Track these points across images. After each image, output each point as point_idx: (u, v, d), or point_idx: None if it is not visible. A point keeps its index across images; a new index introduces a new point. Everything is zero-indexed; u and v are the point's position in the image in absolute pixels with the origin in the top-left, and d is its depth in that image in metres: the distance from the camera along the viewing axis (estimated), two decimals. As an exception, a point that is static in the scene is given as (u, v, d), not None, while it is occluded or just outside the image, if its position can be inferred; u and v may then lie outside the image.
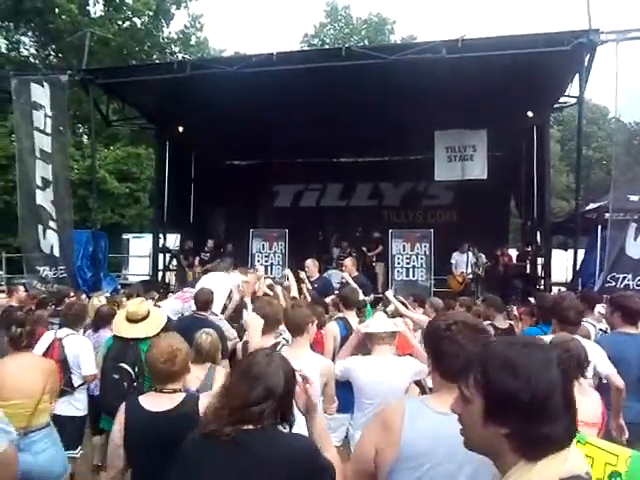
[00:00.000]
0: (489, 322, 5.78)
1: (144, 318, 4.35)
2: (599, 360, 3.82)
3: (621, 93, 8.89)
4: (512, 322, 6.36)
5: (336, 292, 6.88)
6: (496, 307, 6.16)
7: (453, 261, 12.87)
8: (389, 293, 6.83)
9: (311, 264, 8.34)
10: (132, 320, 4.30)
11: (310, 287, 7.64)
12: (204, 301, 5.67)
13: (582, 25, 9.17)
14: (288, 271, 7.59)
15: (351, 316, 5.21)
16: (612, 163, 10.38)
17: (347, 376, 3.82)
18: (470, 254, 12.50)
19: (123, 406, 2.77)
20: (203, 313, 5.60)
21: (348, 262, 8.65)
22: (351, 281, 7.23)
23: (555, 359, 1.27)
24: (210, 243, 14.26)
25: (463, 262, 12.69)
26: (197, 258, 13.85)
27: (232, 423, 1.85)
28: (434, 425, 1.76)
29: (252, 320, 4.54)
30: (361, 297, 6.49)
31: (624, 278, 9.03)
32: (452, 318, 1.92)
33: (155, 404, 2.72)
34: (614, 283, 9.33)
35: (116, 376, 4.00)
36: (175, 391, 2.80)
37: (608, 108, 39.18)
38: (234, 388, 1.97)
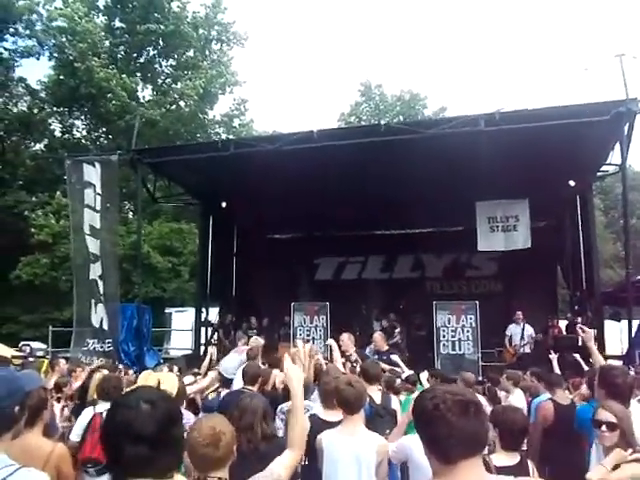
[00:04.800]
0: (549, 397, 5.48)
1: None
2: None
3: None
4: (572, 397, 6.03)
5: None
6: (548, 384, 5.81)
7: (508, 333, 12.61)
8: (423, 375, 6.64)
9: (346, 338, 8.00)
10: None
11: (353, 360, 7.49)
12: (252, 375, 5.58)
13: (616, 94, 9.30)
14: (332, 341, 7.39)
15: (373, 391, 5.09)
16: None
17: (404, 455, 3.61)
18: (527, 325, 12.26)
19: None
20: (251, 387, 5.48)
21: (377, 337, 8.58)
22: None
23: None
24: (253, 320, 14.20)
25: (518, 334, 12.41)
26: (245, 337, 13.60)
27: None
28: None
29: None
30: (410, 372, 6.37)
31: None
32: (438, 394, 1.72)
33: None
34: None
35: None
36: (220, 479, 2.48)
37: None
38: None
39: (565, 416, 5.11)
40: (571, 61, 64.43)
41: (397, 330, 12.94)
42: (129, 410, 1.66)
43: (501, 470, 3.06)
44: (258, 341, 8.37)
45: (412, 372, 6.40)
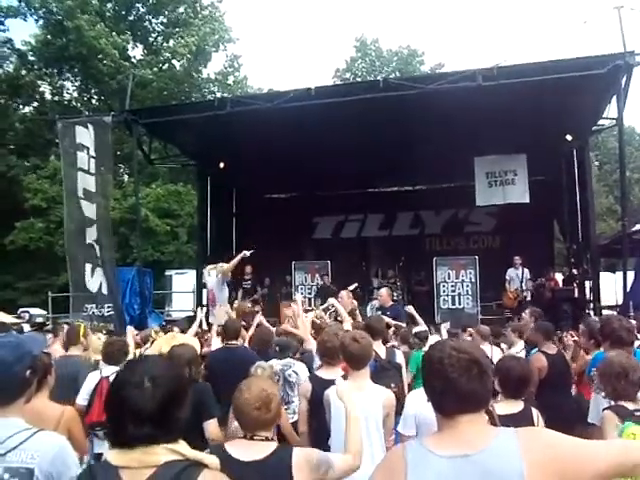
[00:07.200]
0: (537, 348, 5.63)
1: None
2: None
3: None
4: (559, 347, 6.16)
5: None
6: (545, 334, 5.94)
7: (507, 277, 12.57)
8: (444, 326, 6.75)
9: (345, 296, 8.03)
10: None
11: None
12: (234, 330, 5.54)
13: (614, 48, 9.21)
14: (333, 300, 7.48)
15: (378, 346, 5.09)
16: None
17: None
18: (526, 270, 12.30)
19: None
20: (235, 342, 5.42)
21: (384, 292, 8.69)
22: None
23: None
24: (248, 269, 13.67)
25: (517, 278, 12.45)
26: (240, 289, 13.49)
27: None
28: (440, 472, 1.60)
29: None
30: (422, 328, 6.54)
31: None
32: (445, 349, 1.72)
33: (245, 453, 2.45)
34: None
35: None
36: (267, 439, 2.53)
37: (636, 128, 38.63)
38: None
39: (554, 364, 5.28)
40: (570, 14, 63.06)
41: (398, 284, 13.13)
42: (134, 389, 1.68)
43: (503, 418, 3.13)
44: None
45: (424, 328, 6.52)
